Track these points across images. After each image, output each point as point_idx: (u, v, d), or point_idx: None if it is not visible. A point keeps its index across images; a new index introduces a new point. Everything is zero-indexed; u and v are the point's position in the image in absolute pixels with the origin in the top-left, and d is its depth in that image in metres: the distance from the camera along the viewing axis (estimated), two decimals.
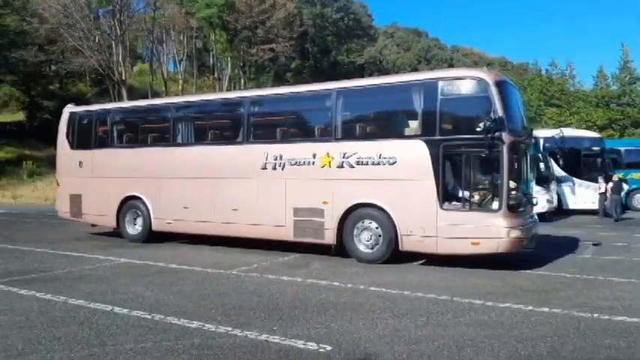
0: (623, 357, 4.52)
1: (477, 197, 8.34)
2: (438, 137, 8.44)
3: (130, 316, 5.68)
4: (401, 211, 8.73)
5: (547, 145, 18.00)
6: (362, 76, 49.70)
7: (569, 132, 22.78)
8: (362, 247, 9.14)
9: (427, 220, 8.44)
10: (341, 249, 9.40)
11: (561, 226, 15.36)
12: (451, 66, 71.93)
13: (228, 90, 38.45)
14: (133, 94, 36.08)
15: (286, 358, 4.45)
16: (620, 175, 18.53)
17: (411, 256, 9.03)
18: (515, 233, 8.13)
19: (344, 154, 9.24)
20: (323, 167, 9.45)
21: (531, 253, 9.91)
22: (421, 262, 9.07)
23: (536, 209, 16.15)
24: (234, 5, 40.04)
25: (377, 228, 8.98)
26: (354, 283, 7.41)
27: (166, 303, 6.28)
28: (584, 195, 18.50)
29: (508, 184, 8.06)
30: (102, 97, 36.23)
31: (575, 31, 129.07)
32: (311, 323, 5.43)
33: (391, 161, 8.81)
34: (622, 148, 21.42)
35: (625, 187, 18.11)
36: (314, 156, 9.54)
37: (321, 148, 9.52)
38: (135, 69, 49.09)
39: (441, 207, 8.36)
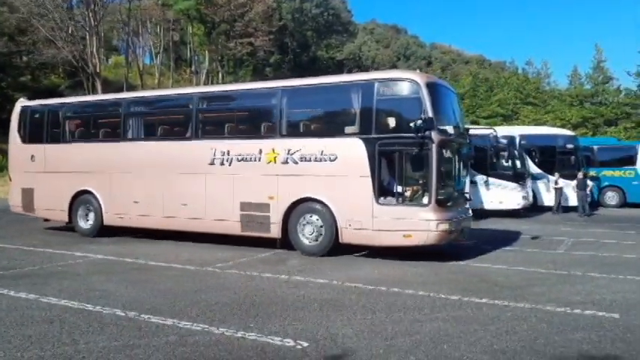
0: (594, 350, 4.61)
1: (408, 192, 8.82)
2: (374, 136, 8.87)
3: (104, 314, 5.56)
4: (341, 206, 9.12)
5: (523, 142, 18.25)
6: (341, 71, 49.69)
7: (545, 130, 23.25)
8: (305, 240, 9.48)
9: (364, 214, 8.86)
10: (286, 242, 9.68)
11: (535, 222, 15.64)
12: (429, 63, 72.70)
13: (206, 84, 38.05)
14: (108, 86, 35.35)
15: (263, 354, 4.42)
16: (593, 173, 18.98)
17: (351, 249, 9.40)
18: (443, 226, 8.58)
19: (288, 151, 9.56)
20: (269, 163, 9.75)
21: (505, 248, 10.11)
22: (360, 254, 9.42)
23: (512, 205, 16.75)
24: None
25: (319, 222, 9.35)
26: (330, 279, 7.40)
27: (141, 300, 6.18)
28: None
29: (437, 180, 8.54)
30: (75, 90, 35.45)
31: (552, 30, 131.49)
32: (288, 320, 5.41)
33: (332, 158, 9.19)
34: (595, 146, 21.88)
35: (589, 183, 18.50)
36: (260, 152, 9.82)
37: (266, 145, 9.80)
38: (110, 61, 48.16)
39: (377, 201, 8.79)
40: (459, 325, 5.24)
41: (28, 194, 12.63)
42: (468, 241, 9.87)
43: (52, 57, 34.71)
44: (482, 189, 17.00)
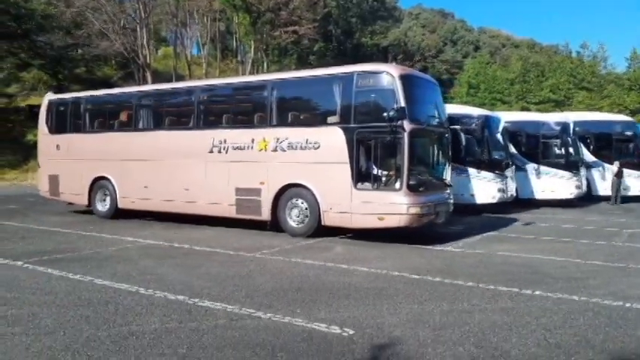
0: None
1: (383, 178, 9.29)
2: (353, 125, 9.41)
3: (155, 297, 5.74)
4: (323, 191, 9.72)
5: (577, 129, 17.45)
6: (386, 58, 49.02)
7: (601, 116, 22.16)
8: (292, 223, 10.14)
9: (344, 198, 9.43)
10: (276, 224, 10.37)
11: (586, 213, 15.00)
12: (477, 48, 70.58)
13: (252, 73, 38.41)
14: (158, 77, 36.31)
15: (309, 340, 4.43)
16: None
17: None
18: (414, 209, 8.99)
19: (277, 139, 10.24)
20: (260, 151, 10.46)
21: (557, 239, 9.74)
22: (345, 236, 9.96)
23: (564, 195, 16.10)
24: None
25: (304, 205, 9.97)
26: (376, 267, 7.35)
27: (191, 284, 6.33)
28: None
29: (408, 166, 8.94)
30: (127, 81, 36.61)
31: (609, 11, 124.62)
32: (334, 307, 5.41)
33: (315, 146, 9.80)
34: None
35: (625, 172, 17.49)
36: (252, 141, 10.55)
37: (258, 134, 10.52)
38: (159, 52, 49.35)
39: (355, 187, 9.34)
40: (509, 317, 5.08)
41: (54, 180, 13.72)
42: (455, 226, 10.66)
43: (105, 49, 35.94)
44: (532, 178, 16.45)
